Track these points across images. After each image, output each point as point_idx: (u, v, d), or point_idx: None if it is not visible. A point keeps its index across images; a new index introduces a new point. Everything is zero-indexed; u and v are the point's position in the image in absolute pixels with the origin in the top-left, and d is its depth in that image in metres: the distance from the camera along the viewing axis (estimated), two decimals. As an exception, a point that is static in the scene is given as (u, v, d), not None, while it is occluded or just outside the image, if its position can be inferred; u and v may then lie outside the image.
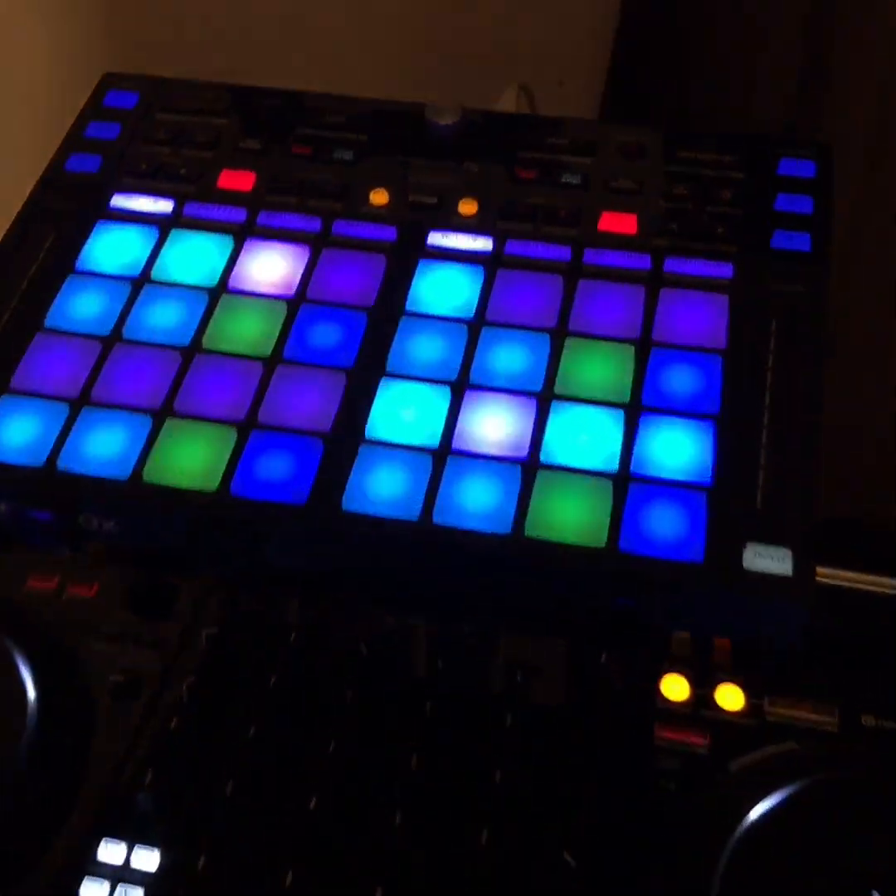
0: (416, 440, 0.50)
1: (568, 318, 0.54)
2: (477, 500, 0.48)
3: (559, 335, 0.53)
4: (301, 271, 0.56)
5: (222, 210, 0.59)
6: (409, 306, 0.55)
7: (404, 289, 0.55)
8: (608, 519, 0.47)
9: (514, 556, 0.46)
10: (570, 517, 0.47)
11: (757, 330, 0.53)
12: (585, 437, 0.49)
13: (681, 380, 0.51)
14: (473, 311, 0.54)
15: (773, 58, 0.74)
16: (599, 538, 0.46)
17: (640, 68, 0.81)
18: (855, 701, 0.64)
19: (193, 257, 0.57)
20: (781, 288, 0.54)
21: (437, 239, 0.57)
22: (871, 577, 0.77)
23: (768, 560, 0.45)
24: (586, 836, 0.58)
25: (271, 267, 0.57)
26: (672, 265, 0.55)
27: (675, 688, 0.65)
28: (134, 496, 0.49)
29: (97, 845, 0.57)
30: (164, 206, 0.59)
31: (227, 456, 0.50)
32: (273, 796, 0.59)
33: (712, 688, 0.65)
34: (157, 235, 0.58)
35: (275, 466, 0.49)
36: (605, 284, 0.55)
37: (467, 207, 0.58)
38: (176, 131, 0.63)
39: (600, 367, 0.52)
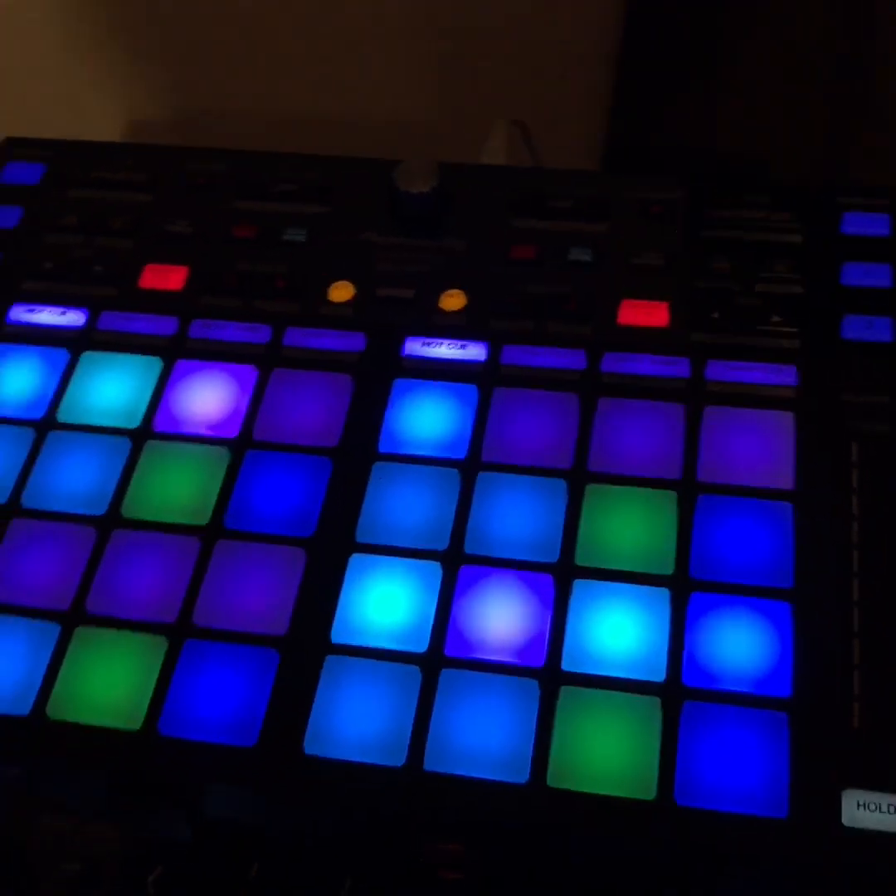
0: (399, 643, 0.38)
1: (587, 454, 0.42)
2: (483, 735, 0.36)
3: (577, 478, 0.41)
4: (246, 402, 0.44)
5: (146, 321, 0.47)
6: (383, 446, 0.43)
7: (377, 419, 0.43)
8: (657, 756, 0.35)
9: (535, 815, 0.35)
10: (611, 756, 0.35)
11: (836, 459, 0.40)
12: (621, 630, 0.38)
13: (739, 538, 0.39)
14: (466, 447, 0.42)
15: (807, 80, 0.61)
16: (647, 787, 0.35)
17: (648, 103, 0.68)
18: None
19: (111, 389, 0.45)
20: (863, 398, 0.42)
21: (415, 348, 0.45)
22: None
23: (877, 813, 0.33)
24: None
25: (209, 397, 0.45)
26: (717, 371, 0.43)
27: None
28: (36, 741, 0.38)
29: None
30: (74, 318, 0.47)
31: (154, 679, 0.38)
32: None
33: None
34: (67, 359, 0.46)
35: (215, 690, 0.38)
36: (635, 403, 0.43)
37: (451, 301, 0.46)
38: (90, 213, 0.50)
39: (633, 523, 0.40)
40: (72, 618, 0.40)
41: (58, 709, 0.38)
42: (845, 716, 0.35)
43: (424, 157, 0.48)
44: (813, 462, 0.41)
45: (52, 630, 0.40)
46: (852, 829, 0.34)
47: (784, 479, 0.40)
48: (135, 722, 0.37)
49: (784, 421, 0.42)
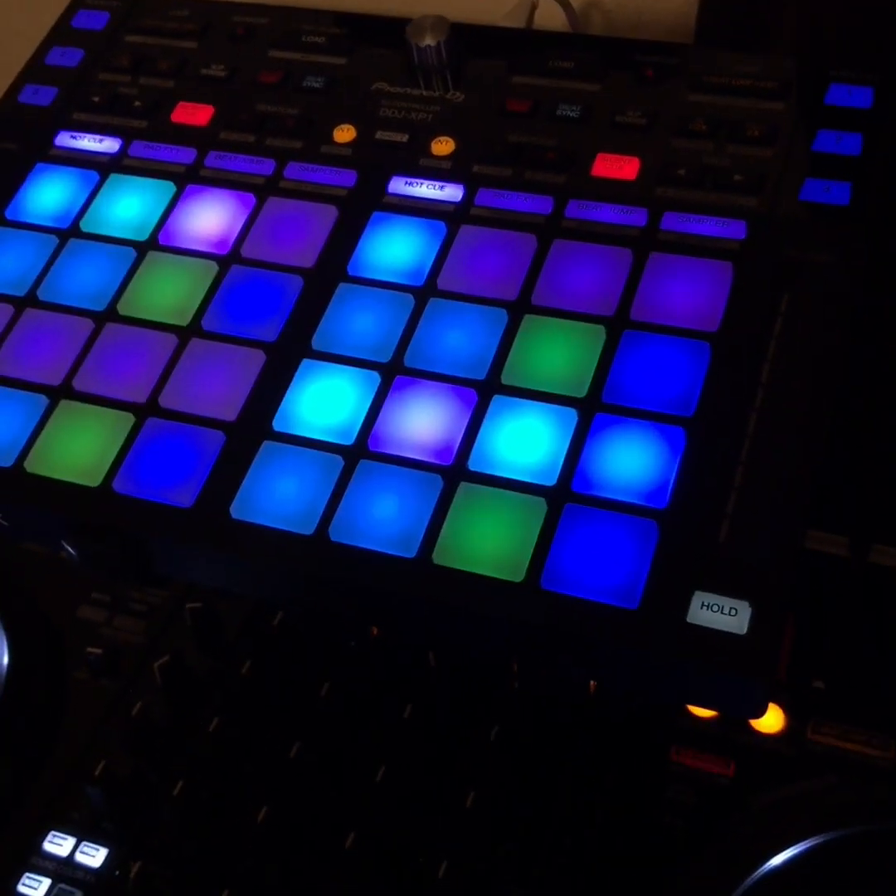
0: (328, 435, 0.42)
1: (533, 289, 0.44)
2: (383, 514, 0.40)
3: (518, 309, 0.44)
4: (241, 224, 0.49)
5: (169, 150, 0.52)
6: (351, 269, 0.47)
7: (351, 246, 0.47)
8: (533, 547, 0.38)
9: (417, 585, 0.39)
10: (489, 541, 0.39)
11: (762, 310, 0.42)
12: (526, 441, 0.41)
13: (654, 371, 0.41)
14: (424, 276, 0.46)
15: None
16: (518, 570, 0.38)
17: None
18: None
19: (129, 206, 0.50)
20: (805, 254, 0.43)
21: (399, 186, 0.48)
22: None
23: (719, 614, 0.36)
24: (574, 874, 0.51)
25: (210, 218, 0.49)
26: (670, 222, 0.45)
27: (702, 704, 0.56)
28: (13, 488, 0.43)
29: (44, 838, 0.54)
30: (109, 145, 0.53)
31: (118, 445, 0.43)
32: (221, 803, 0.54)
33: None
34: (96, 180, 0.52)
35: (167, 460, 0.43)
36: (586, 247, 0.45)
37: (441, 147, 0.49)
38: (140, 56, 0.55)
39: (559, 350, 0.42)
40: (59, 392, 0.45)
41: (35, 464, 0.44)
42: (712, 530, 0.38)
43: (437, 15, 0.51)
44: (741, 309, 0.43)
45: (41, 403, 0.45)
46: (693, 626, 0.36)
47: (710, 322, 0.42)
48: (95, 478, 0.43)
49: (723, 270, 0.43)
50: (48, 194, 0.52)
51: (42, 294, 0.48)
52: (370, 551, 0.39)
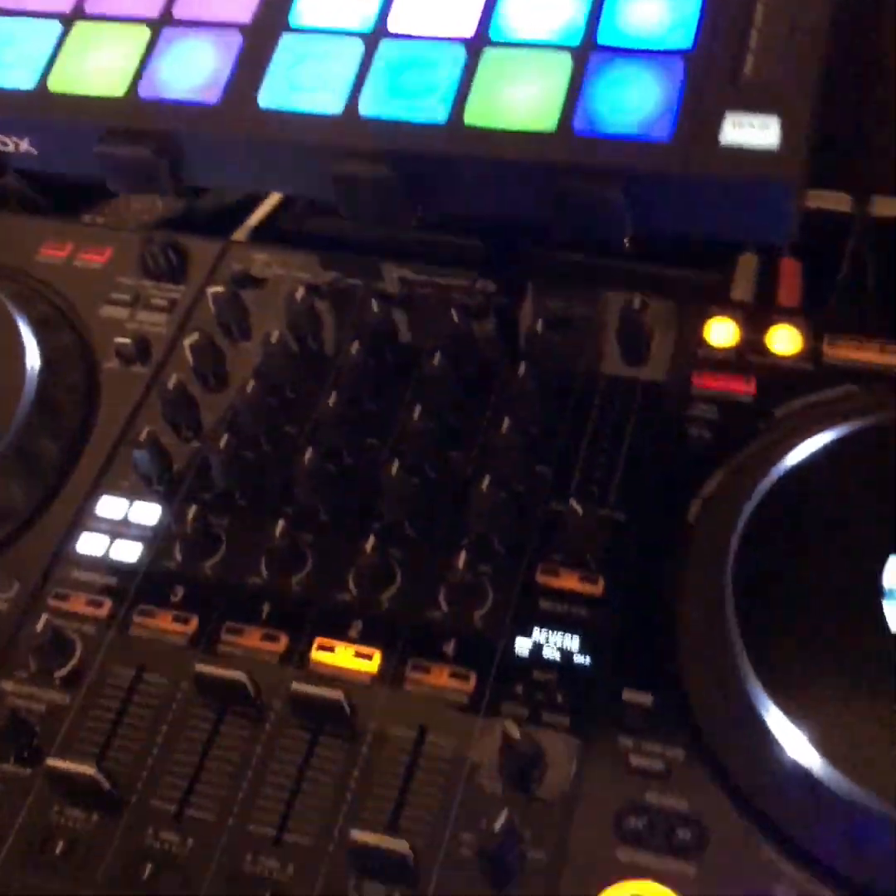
0: (348, 24, 0.43)
1: None
2: (411, 88, 0.40)
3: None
4: None
5: None
6: None
7: None
8: (563, 97, 0.39)
9: (451, 146, 0.39)
10: (518, 99, 0.39)
11: None
12: (547, 6, 0.41)
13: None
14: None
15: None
16: (550, 120, 0.39)
17: None
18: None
19: None
20: None
21: None
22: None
23: (750, 130, 0.37)
24: (603, 486, 0.53)
25: None
26: None
27: (721, 332, 0.58)
28: (39, 106, 0.44)
29: (97, 501, 0.56)
30: None
31: (138, 57, 0.44)
32: (266, 450, 0.57)
33: (764, 331, 0.57)
34: None
35: (189, 64, 0.43)
36: None
37: None
38: None
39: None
40: (72, 16, 0.46)
41: (58, 83, 0.44)
42: (737, 63, 0.38)
43: None
44: None
45: (55, 28, 0.45)
46: (728, 147, 0.37)
47: None
48: (120, 89, 0.43)
49: None
50: None
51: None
52: (402, 122, 0.40)
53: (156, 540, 0.54)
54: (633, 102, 0.38)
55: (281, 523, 0.51)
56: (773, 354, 0.57)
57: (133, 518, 0.55)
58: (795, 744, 0.42)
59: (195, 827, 0.46)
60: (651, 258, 0.61)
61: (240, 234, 0.68)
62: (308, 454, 0.54)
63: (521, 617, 0.49)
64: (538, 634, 0.49)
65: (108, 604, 0.52)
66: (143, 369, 0.61)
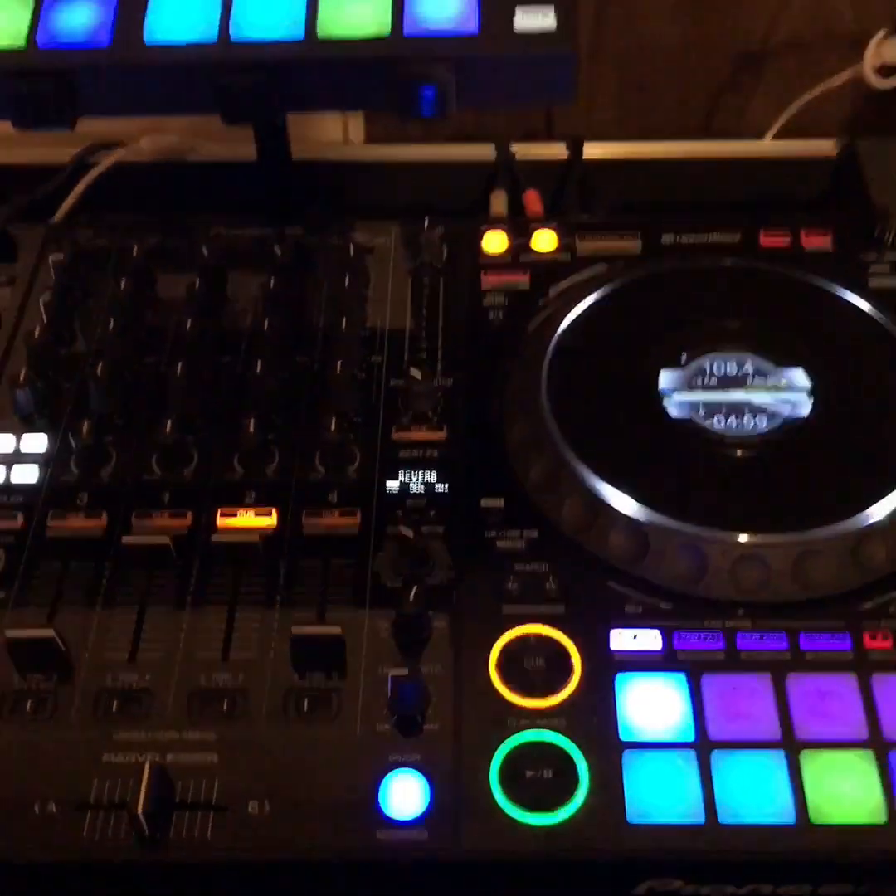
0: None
1: None
2: (269, 14, 0.52)
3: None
4: None
5: None
6: None
7: None
8: (390, 10, 0.52)
9: (309, 56, 0.51)
10: (356, 15, 0.52)
11: None
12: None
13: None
14: None
15: None
16: (383, 27, 0.51)
17: None
18: (656, 227, 0.72)
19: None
20: None
21: None
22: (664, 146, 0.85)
23: (534, 18, 0.50)
24: (432, 362, 0.66)
25: None
26: None
27: (494, 241, 0.72)
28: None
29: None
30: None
31: (28, 13, 0.53)
32: (138, 368, 0.65)
33: (528, 237, 0.72)
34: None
35: (76, 16, 0.53)
36: None
37: None
38: None
39: None
40: None
41: None
42: None
43: None
44: None
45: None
46: (521, 33, 0.51)
47: None
48: (19, 41, 0.52)
49: None
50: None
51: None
52: (266, 42, 0.51)
53: (50, 462, 0.61)
54: (444, 6, 0.51)
55: (169, 423, 0.60)
56: (538, 252, 0.71)
57: (24, 448, 0.62)
58: (620, 501, 0.55)
59: (149, 665, 0.53)
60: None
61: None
62: (179, 368, 0.63)
63: (387, 467, 0.60)
64: (403, 476, 0.60)
65: (19, 517, 0.58)
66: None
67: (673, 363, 0.62)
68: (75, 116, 0.53)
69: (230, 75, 0.52)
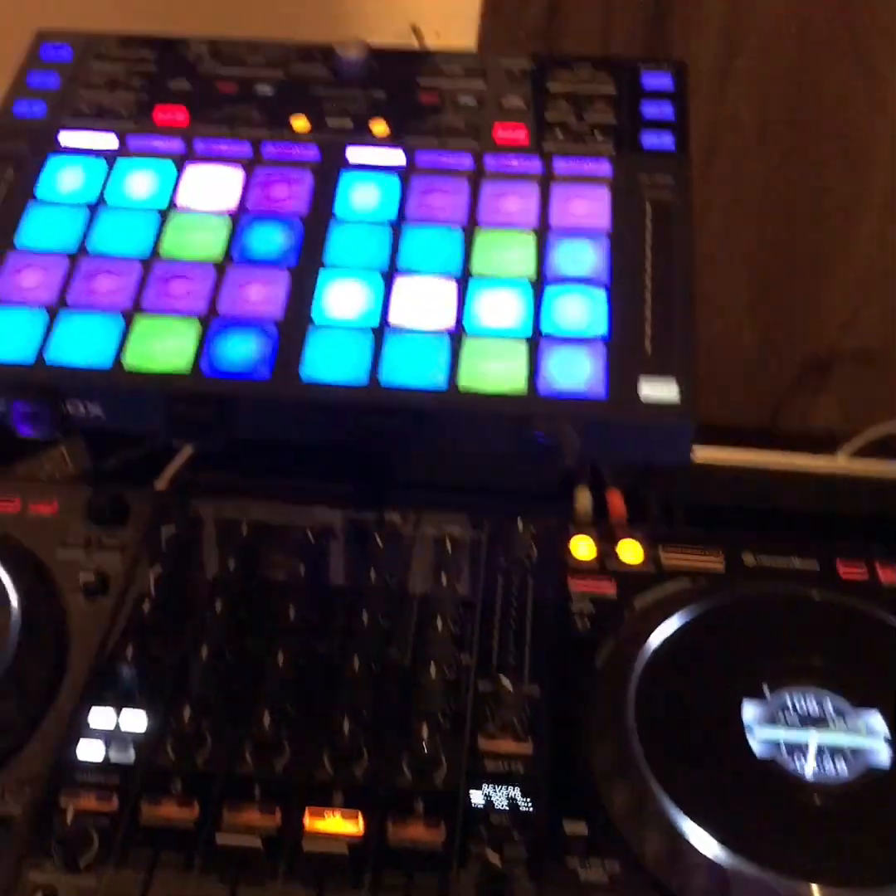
0: (357, 322, 0.59)
1: (477, 213, 0.63)
2: (415, 365, 0.56)
3: (470, 228, 0.62)
4: (239, 188, 0.64)
5: (162, 140, 0.66)
6: (338, 212, 0.63)
7: (331, 197, 0.64)
8: (526, 371, 0.56)
9: (451, 406, 0.55)
10: (495, 372, 0.56)
11: (635, 214, 0.63)
12: (501, 308, 0.59)
13: (576, 257, 0.60)
14: (395, 212, 0.63)
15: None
16: (520, 386, 0.56)
17: (508, 15, 0.90)
18: (737, 546, 0.74)
19: (141, 183, 0.64)
20: (653, 179, 0.64)
21: (355, 154, 0.66)
22: (745, 454, 0.89)
23: (659, 390, 0.55)
24: (519, 669, 0.68)
25: (212, 187, 0.64)
26: (560, 165, 0.65)
27: (582, 547, 0.75)
28: (117, 382, 0.56)
29: (87, 713, 0.64)
30: (108, 140, 0.66)
31: (194, 344, 0.57)
32: (242, 656, 0.67)
33: (614, 544, 0.75)
34: (106, 165, 0.65)
35: (238, 349, 0.57)
36: (506, 183, 0.64)
37: (379, 127, 0.67)
38: (111, 78, 0.70)
39: (508, 251, 0.61)
40: (133, 312, 0.59)
41: (131, 362, 0.57)
42: (640, 347, 0.57)
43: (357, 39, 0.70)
44: (621, 215, 0.63)
45: (119, 321, 0.59)
46: (646, 402, 0.55)
47: (604, 225, 0.62)
48: (185, 367, 0.56)
49: (603, 192, 0.64)
50: (67, 178, 0.65)
51: (90, 248, 0.62)
52: (412, 389, 0.56)
53: (146, 742, 0.62)
54: (577, 374, 0.56)
55: (266, 715, 0.62)
56: (624, 562, 0.74)
57: (123, 725, 0.64)
58: (702, 841, 0.56)
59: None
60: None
61: (160, 484, 0.80)
62: (280, 659, 0.65)
63: (472, 776, 0.62)
64: (488, 788, 0.62)
65: (115, 799, 0.59)
66: (105, 601, 0.70)
67: (756, 694, 0.63)
68: (228, 437, 0.57)
69: (377, 417, 0.56)
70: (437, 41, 0.88)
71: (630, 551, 0.75)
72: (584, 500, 0.84)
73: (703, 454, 0.89)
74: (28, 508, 0.74)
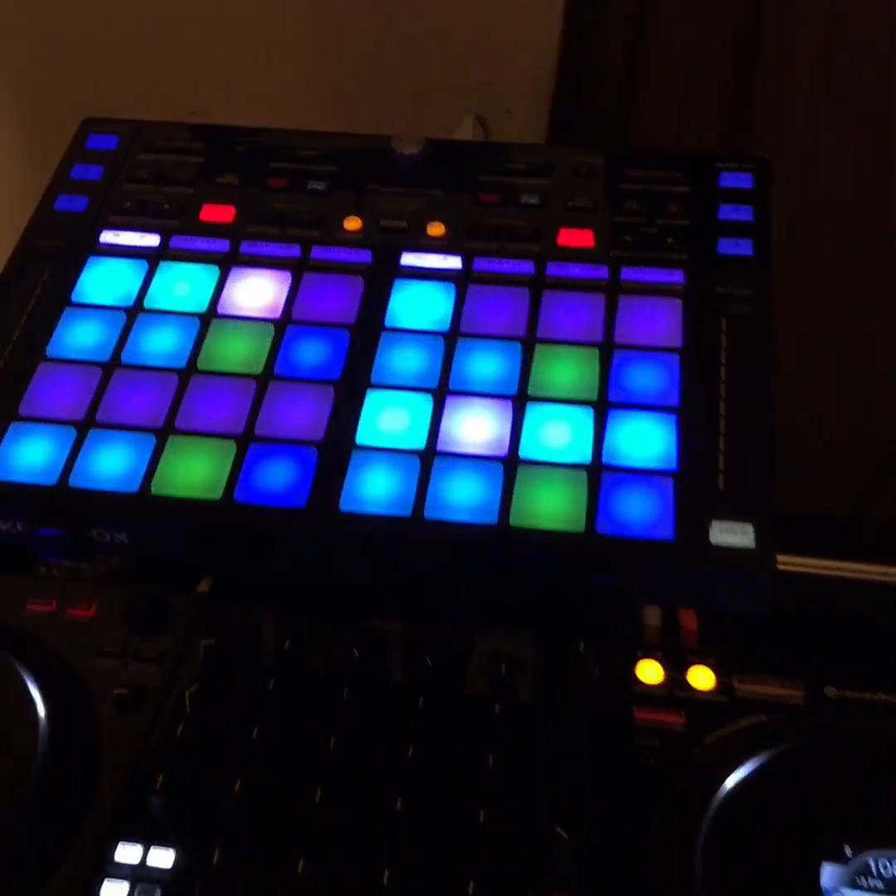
0: (403, 444, 0.54)
1: (536, 327, 0.58)
2: (464, 496, 0.52)
3: (529, 342, 0.57)
4: (285, 295, 0.60)
5: (206, 242, 0.63)
6: (388, 322, 0.59)
7: (382, 306, 0.60)
8: (585, 506, 0.51)
9: (501, 544, 0.50)
10: (551, 506, 0.51)
11: (709, 329, 0.57)
12: (560, 434, 0.54)
13: (643, 377, 0.56)
14: (448, 324, 0.59)
15: (707, 77, 0.80)
16: (578, 523, 0.51)
17: (583, 94, 0.86)
18: (818, 675, 0.68)
19: (182, 286, 0.61)
20: (729, 290, 0.59)
21: (409, 259, 0.62)
22: (826, 563, 0.82)
23: (733, 535, 0.49)
24: (576, 813, 0.62)
25: (256, 292, 0.61)
26: (628, 274, 0.60)
27: (650, 672, 0.69)
28: (144, 508, 0.53)
29: (114, 848, 0.60)
30: (150, 240, 0.63)
31: (228, 467, 0.53)
32: (278, 792, 0.63)
33: (684, 670, 0.69)
34: (146, 267, 0.62)
35: (274, 474, 0.53)
36: (568, 294, 0.59)
37: (435, 230, 0.63)
38: (157, 170, 0.67)
39: (569, 369, 0.56)
40: (164, 431, 0.55)
41: (159, 487, 0.53)
42: (713, 483, 0.52)
43: (414, 132, 0.66)
44: (694, 330, 0.58)
45: (150, 440, 0.55)
46: (717, 546, 0.50)
47: (674, 341, 0.57)
48: (216, 493, 0.52)
49: (675, 304, 0.59)
50: (106, 281, 0.62)
51: (126, 358, 0.58)
52: (460, 523, 0.51)
53: (174, 882, 0.58)
54: (640, 511, 0.50)
55: (301, 863, 0.57)
56: (695, 689, 0.68)
57: (151, 862, 0.60)
58: None
59: None
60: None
61: (203, 585, 0.76)
62: (317, 796, 0.61)
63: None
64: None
65: (138, 947, 0.55)
66: (139, 717, 0.66)
67: (836, 855, 0.57)
68: (262, 569, 0.53)
69: (422, 552, 0.51)
70: (506, 119, 0.84)
71: (701, 678, 0.69)
72: (652, 617, 0.78)
73: (783, 559, 0.83)
74: (65, 611, 0.70)
